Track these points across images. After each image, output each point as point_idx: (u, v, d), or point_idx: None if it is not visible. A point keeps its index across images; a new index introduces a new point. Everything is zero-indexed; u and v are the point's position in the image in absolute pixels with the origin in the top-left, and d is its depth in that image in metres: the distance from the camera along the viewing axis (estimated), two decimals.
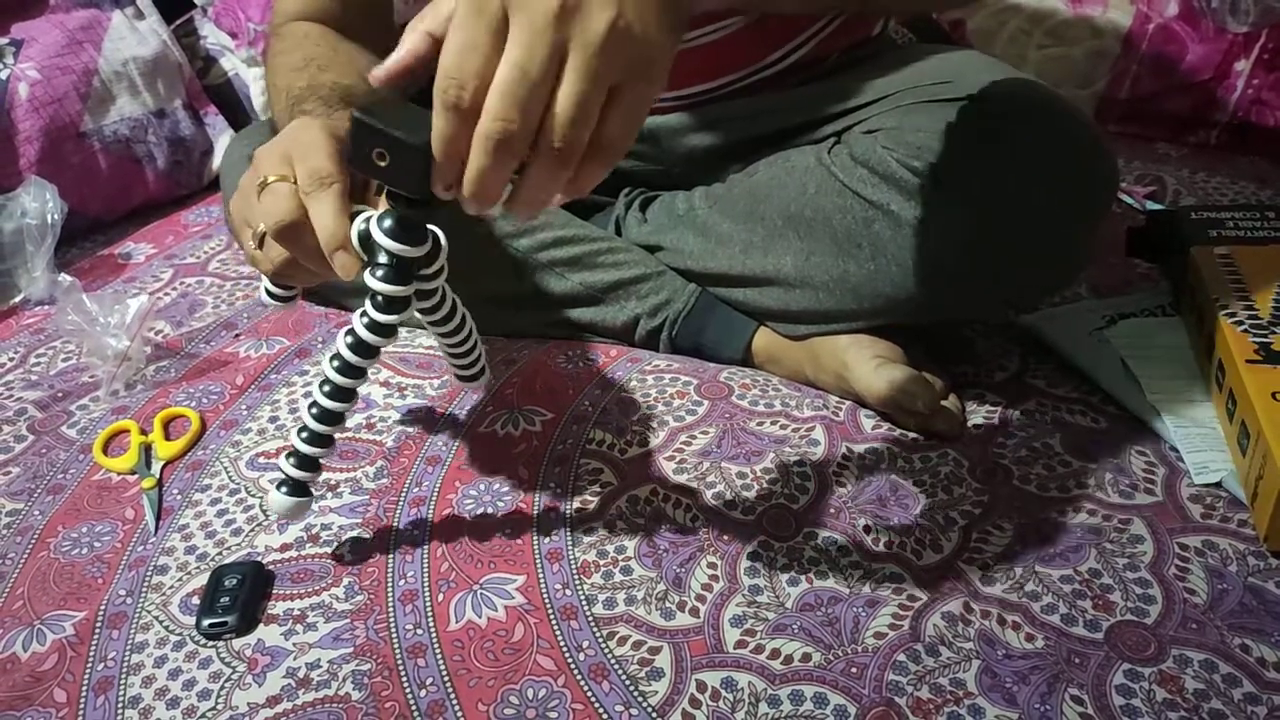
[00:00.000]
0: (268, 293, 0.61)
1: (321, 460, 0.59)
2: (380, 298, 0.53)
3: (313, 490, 0.60)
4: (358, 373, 0.56)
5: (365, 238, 0.51)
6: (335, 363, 0.56)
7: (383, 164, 0.45)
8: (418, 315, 0.59)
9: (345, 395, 0.57)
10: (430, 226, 0.52)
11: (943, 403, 0.73)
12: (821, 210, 0.74)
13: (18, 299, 0.99)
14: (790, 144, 0.81)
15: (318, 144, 0.53)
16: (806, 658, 0.57)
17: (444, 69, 0.41)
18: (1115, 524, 0.64)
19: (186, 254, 1.07)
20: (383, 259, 0.51)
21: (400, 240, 0.50)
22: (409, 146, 0.44)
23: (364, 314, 0.54)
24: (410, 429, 0.77)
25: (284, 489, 0.59)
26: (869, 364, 0.74)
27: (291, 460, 0.59)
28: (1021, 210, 0.66)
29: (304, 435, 0.58)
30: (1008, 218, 0.67)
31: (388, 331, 0.54)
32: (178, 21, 1.27)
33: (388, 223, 0.50)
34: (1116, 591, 0.60)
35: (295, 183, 0.52)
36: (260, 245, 0.55)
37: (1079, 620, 0.58)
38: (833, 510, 0.67)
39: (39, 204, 0.99)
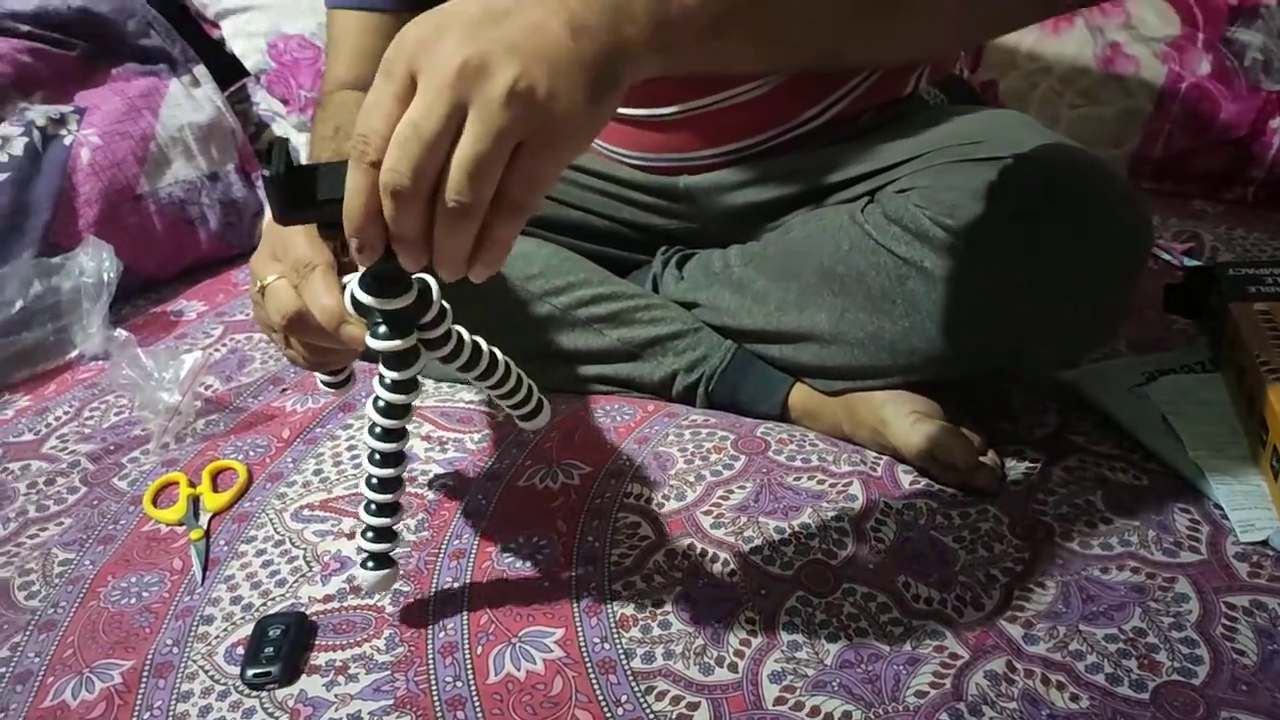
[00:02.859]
0: (323, 383, 0.67)
1: (395, 527, 0.61)
2: (388, 356, 0.54)
3: (395, 559, 0.62)
4: (396, 435, 0.58)
5: (356, 304, 0.53)
6: (375, 430, 0.58)
7: (313, 217, 0.47)
8: (445, 366, 0.60)
9: (392, 460, 0.59)
10: (422, 276, 0.53)
11: (981, 458, 0.73)
12: (855, 267, 0.75)
13: (73, 354, 1.02)
14: (824, 202, 0.83)
15: (293, 236, 0.56)
16: (847, 716, 0.56)
17: (355, 126, 0.44)
18: (1160, 582, 0.64)
19: (236, 311, 1.10)
20: (376, 318, 0.53)
21: (379, 294, 0.52)
22: (326, 201, 0.45)
23: (380, 377, 0.56)
24: (450, 482, 0.78)
25: (369, 565, 0.61)
26: (906, 419, 0.74)
27: (369, 536, 0.61)
28: (1055, 268, 0.67)
29: (371, 509, 0.60)
30: (1041, 276, 0.67)
31: (406, 387, 0.56)
32: (231, 89, 1.33)
33: (365, 280, 0.52)
34: (1162, 651, 0.59)
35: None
36: (288, 343, 0.58)
37: (1124, 680, 0.57)
38: (871, 566, 0.66)
39: (96, 263, 1.03)
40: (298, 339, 0.58)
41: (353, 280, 0.53)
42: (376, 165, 0.43)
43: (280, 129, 1.31)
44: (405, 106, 0.43)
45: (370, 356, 0.57)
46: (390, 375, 0.55)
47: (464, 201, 0.43)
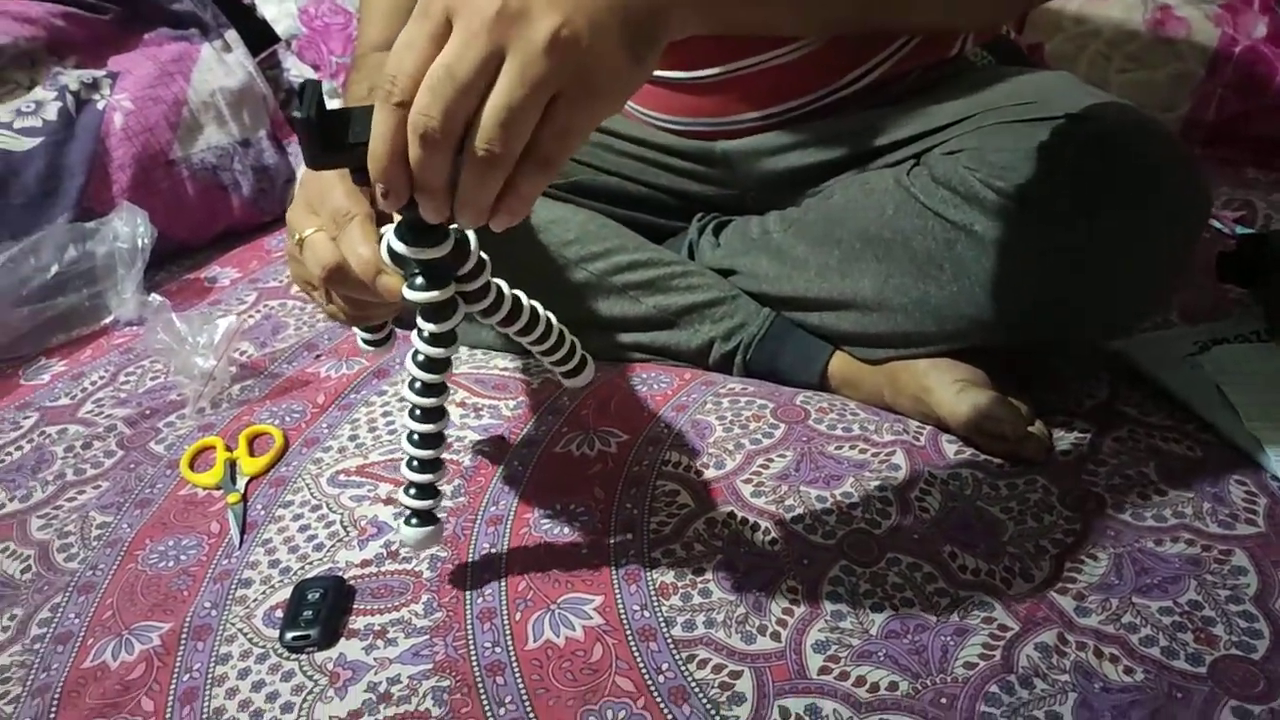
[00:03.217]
0: (363, 341, 0.65)
1: (438, 484, 0.60)
2: (426, 308, 0.53)
3: (439, 516, 0.61)
4: (437, 390, 0.57)
5: (392, 254, 0.51)
6: (415, 385, 0.57)
7: (345, 161, 0.45)
8: (483, 331, 0.59)
9: (433, 415, 0.58)
10: (457, 226, 0.52)
11: (1029, 428, 0.71)
12: (901, 232, 0.73)
13: (108, 320, 1.03)
14: (866, 167, 0.81)
15: (331, 186, 0.55)
16: (894, 686, 0.55)
17: (386, 66, 0.42)
18: (1215, 555, 0.62)
19: (270, 278, 1.10)
20: (413, 268, 0.52)
21: (415, 243, 0.50)
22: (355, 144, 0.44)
23: (419, 330, 0.55)
24: (486, 448, 0.77)
25: (413, 522, 0.60)
26: (951, 388, 0.72)
27: (411, 492, 0.60)
28: (1112, 232, 0.65)
29: (412, 465, 0.59)
30: (1098, 240, 0.65)
31: (445, 340, 0.55)
32: (263, 54, 1.32)
33: (400, 230, 0.50)
34: (1219, 625, 0.57)
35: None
36: (328, 298, 0.57)
37: (1180, 654, 0.56)
38: (916, 536, 0.65)
39: (130, 229, 1.02)
40: (337, 292, 0.57)
41: (389, 230, 0.51)
42: (404, 106, 0.41)
43: None
44: (439, 48, 0.41)
45: (408, 323, 0.56)
46: (429, 328, 0.54)
47: (494, 151, 0.41)
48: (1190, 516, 0.65)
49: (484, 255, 0.55)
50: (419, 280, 0.52)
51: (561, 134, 0.43)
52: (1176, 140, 0.68)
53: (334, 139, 0.45)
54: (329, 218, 0.54)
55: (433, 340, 0.55)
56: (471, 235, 0.54)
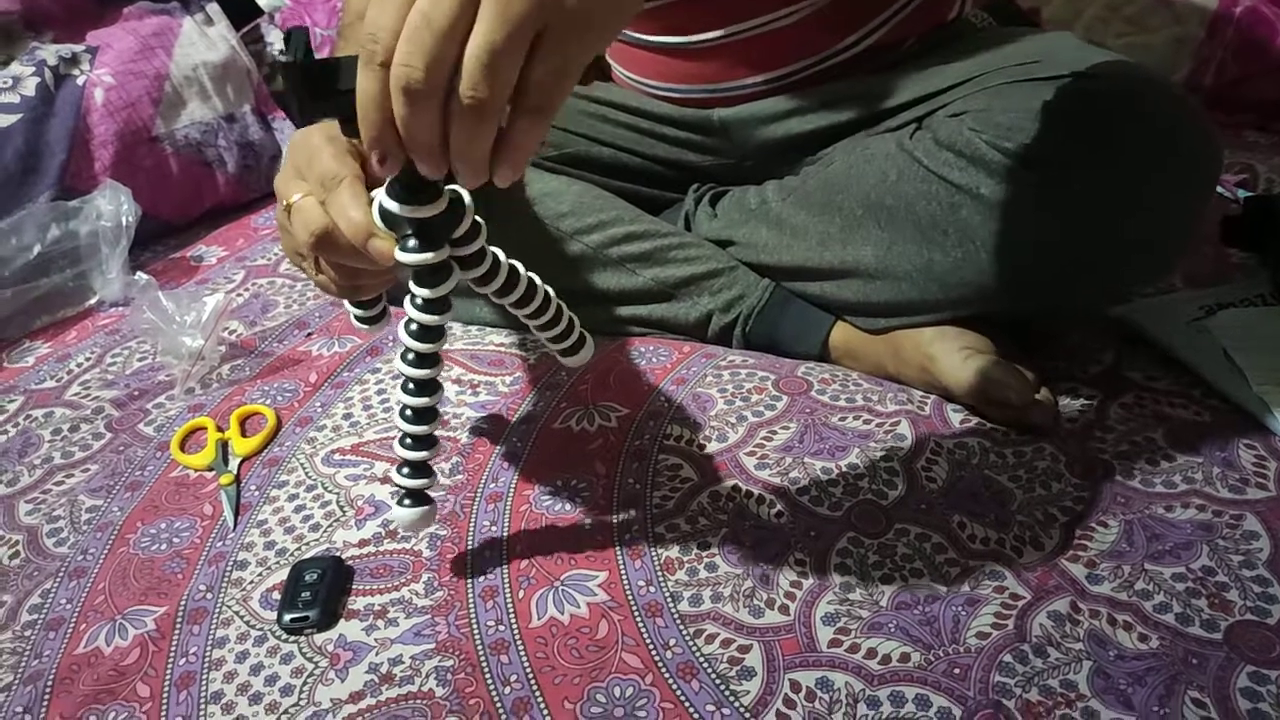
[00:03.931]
0: (356, 318, 0.62)
1: (431, 463, 0.58)
2: (419, 272, 0.51)
3: (434, 496, 0.59)
4: (430, 361, 0.55)
5: (384, 215, 0.49)
6: (408, 356, 0.55)
7: (335, 108, 0.43)
8: (481, 291, 0.57)
9: (426, 388, 0.56)
10: (455, 187, 0.50)
11: (1035, 395, 0.70)
12: (904, 197, 0.71)
13: (93, 301, 1.00)
14: (868, 133, 0.79)
15: (319, 150, 0.52)
16: (905, 658, 0.54)
17: (364, 25, 0.40)
18: (1227, 520, 0.61)
19: (257, 256, 1.08)
20: (405, 229, 0.49)
21: (408, 201, 0.48)
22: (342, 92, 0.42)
23: (412, 296, 0.53)
24: (484, 425, 0.76)
25: (406, 502, 0.58)
26: (956, 355, 0.71)
27: (404, 471, 0.58)
28: (1122, 192, 0.64)
29: (406, 442, 0.57)
30: (1107, 200, 0.64)
31: (439, 307, 0.53)
32: (246, 28, 1.29)
33: (392, 188, 0.48)
34: (1233, 590, 0.56)
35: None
36: (318, 268, 0.55)
37: (1195, 620, 0.55)
38: (924, 506, 0.64)
39: (114, 207, 1.00)
40: (327, 260, 0.55)
41: (381, 193, 0.49)
42: (388, 65, 0.40)
43: None
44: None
45: (401, 299, 0.54)
46: (422, 293, 0.52)
47: (479, 97, 0.39)
48: (1200, 482, 0.64)
49: (480, 219, 0.53)
50: (412, 242, 0.50)
51: (549, 75, 0.40)
52: (1187, 98, 0.67)
53: (323, 86, 0.43)
54: (317, 181, 0.52)
55: (426, 307, 0.52)
56: (466, 195, 0.51)
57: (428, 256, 0.50)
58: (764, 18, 0.78)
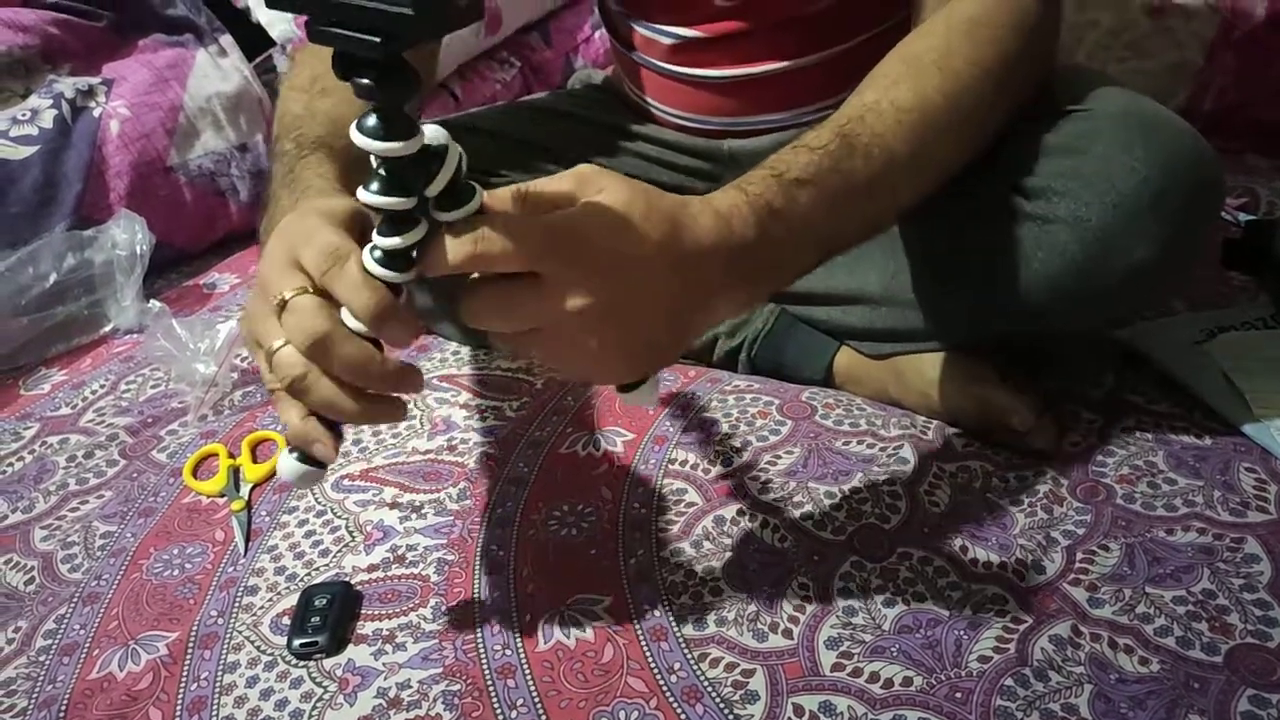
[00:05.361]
0: (300, 459, 0.49)
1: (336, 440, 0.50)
2: (383, 219, 0.44)
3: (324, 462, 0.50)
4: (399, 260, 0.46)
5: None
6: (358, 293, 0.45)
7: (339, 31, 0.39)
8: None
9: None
10: (453, 144, 0.44)
11: (1037, 420, 0.70)
12: (909, 227, 0.72)
13: (108, 328, 1.02)
14: None
15: (315, 228, 0.48)
16: (908, 681, 0.55)
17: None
18: (1228, 543, 0.61)
19: None
20: (373, 164, 0.44)
21: (377, 136, 0.42)
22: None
23: (372, 248, 0.45)
24: (491, 450, 0.77)
25: (294, 455, 0.50)
26: (958, 381, 0.72)
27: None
28: (1125, 220, 0.64)
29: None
30: (1111, 228, 0.64)
31: (399, 262, 0.45)
32: (258, 59, 1.31)
33: (366, 121, 0.42)
34: (1234, 613, 0.57)
35: (314, 291, 0.46)
36: (306, 391, 0.48)
37: (1196, 643, 0.55)
38: (926, 530, 0.65)
39: (128, 236, 1.02)
40: (327, 369, 0.47)
41: (353, 125, 0.43)
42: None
43: None
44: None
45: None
46: (383, 242, 0.45)
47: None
48: (1201, 505, 0.65)
49: (475, 184, 0.46)
50: (377, 181, 0.43)
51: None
52: (1192, 129, 0.67)
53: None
54: (318, 256, 0.46)
55: (383, 260, 0.45)
56: (455, 150, 0.44)
57: (393, 200, 0.43)
58: (790, 61, 0.79)
